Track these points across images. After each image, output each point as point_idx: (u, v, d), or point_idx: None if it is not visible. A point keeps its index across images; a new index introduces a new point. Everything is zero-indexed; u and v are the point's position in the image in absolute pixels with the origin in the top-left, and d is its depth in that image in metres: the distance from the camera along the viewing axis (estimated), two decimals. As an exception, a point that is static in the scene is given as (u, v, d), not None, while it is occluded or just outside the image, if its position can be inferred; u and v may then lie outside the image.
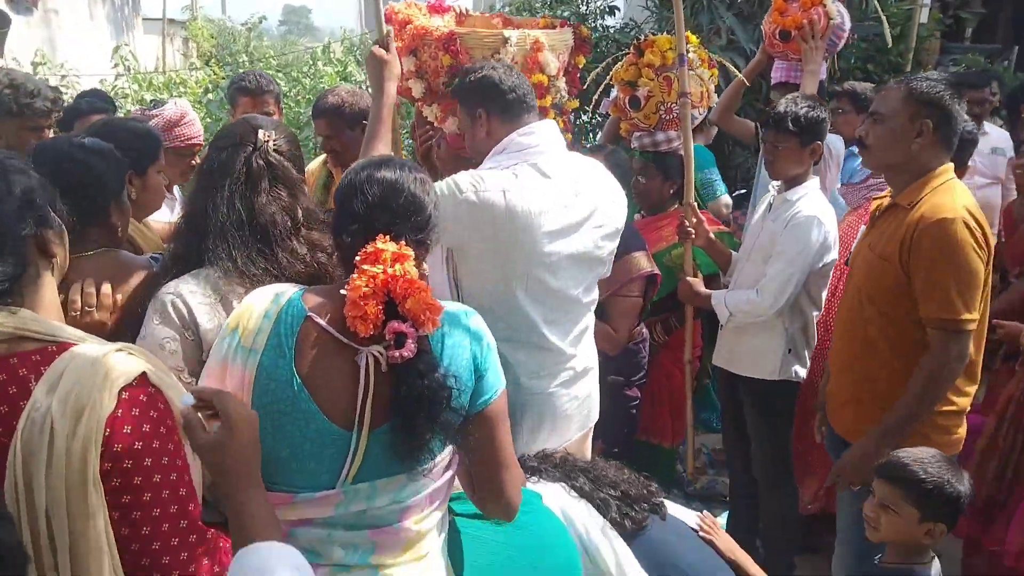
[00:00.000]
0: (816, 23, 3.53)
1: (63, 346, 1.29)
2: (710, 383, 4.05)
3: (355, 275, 1.49)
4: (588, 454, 2.67)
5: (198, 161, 3.06)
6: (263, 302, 1.58)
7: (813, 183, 3.00)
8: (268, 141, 1.88)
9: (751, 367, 3.07)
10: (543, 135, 2.35)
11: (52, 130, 3.12)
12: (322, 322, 1.53)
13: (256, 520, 1.33)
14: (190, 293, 1.78)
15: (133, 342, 1.73)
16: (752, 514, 3.27)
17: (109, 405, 1.21)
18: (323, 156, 3.43)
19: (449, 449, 1.63)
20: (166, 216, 3.00)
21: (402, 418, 1.50)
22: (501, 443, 1.64)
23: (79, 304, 1.75)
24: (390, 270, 1.47)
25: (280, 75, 11.71)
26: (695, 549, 2.19)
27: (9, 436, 1.20)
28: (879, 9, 3.92)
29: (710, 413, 4.37)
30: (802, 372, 3.05)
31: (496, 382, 1.64)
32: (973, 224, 2.25)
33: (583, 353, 2.53)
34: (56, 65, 10.47)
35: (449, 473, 1.67)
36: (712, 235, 3.20)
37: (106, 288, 1.80)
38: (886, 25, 3.84)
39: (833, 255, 2.95)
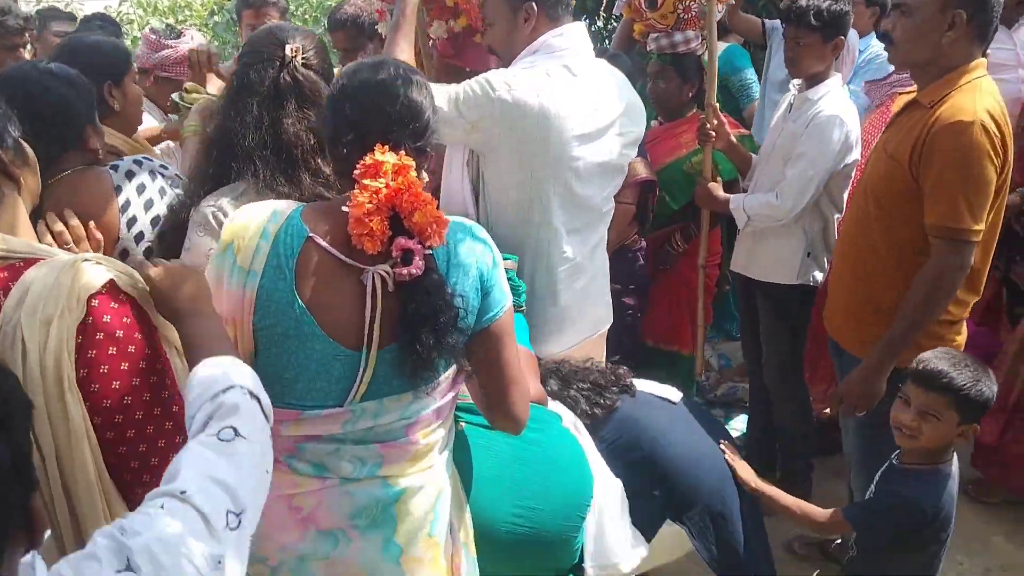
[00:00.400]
0: None
1: (30, 261, 1.26)
2: (730, 290, 4.01)
3: (356, 190, 1.43)
4: (602, 357, 2.71)
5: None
6: (259, 219, 1.51)
7: (835, 80, 2.90)
8: (296, 56, 1.82)
9: (769, 272, 3.02)
10: (574, 37, 2.34)
11: (28, 49, 3.08)
12: (324, 243, 1.48)
13: (208, 340, 1.30)
14: (231, 204, 1.78)
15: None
16: (770, 419, 3.28)
17: (78, 314, 1.20)
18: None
19: (452, 368, 1.62)
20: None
21: (409, 337, 1.46)
22: (507, 359, 1.60)
23: (52, 242, 1.68)
24: (393, 183, 1.40)
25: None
26: (666, 417, 2.22)
27: None
28: None
29: (731, 323, 4.35)
30: (820, 276, 3.00)
31: (502, 298, 1.59)
32: (993, 129, 2.11)
33: (598, 261, 2.57)
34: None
35: (455, 390, 1.66)
36: (733, 138, 3.11)
37: (74, 221, 1.74)
38: None
39: (855, 155, 2.86)
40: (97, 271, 1.26)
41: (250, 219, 1.51)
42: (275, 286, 1.47)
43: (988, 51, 2.25)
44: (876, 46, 3.52)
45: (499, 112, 2.18)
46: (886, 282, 2.35)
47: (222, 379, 1.19)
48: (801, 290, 3.00)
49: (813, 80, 2.88)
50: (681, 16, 3.22)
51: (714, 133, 3.05)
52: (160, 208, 1.97)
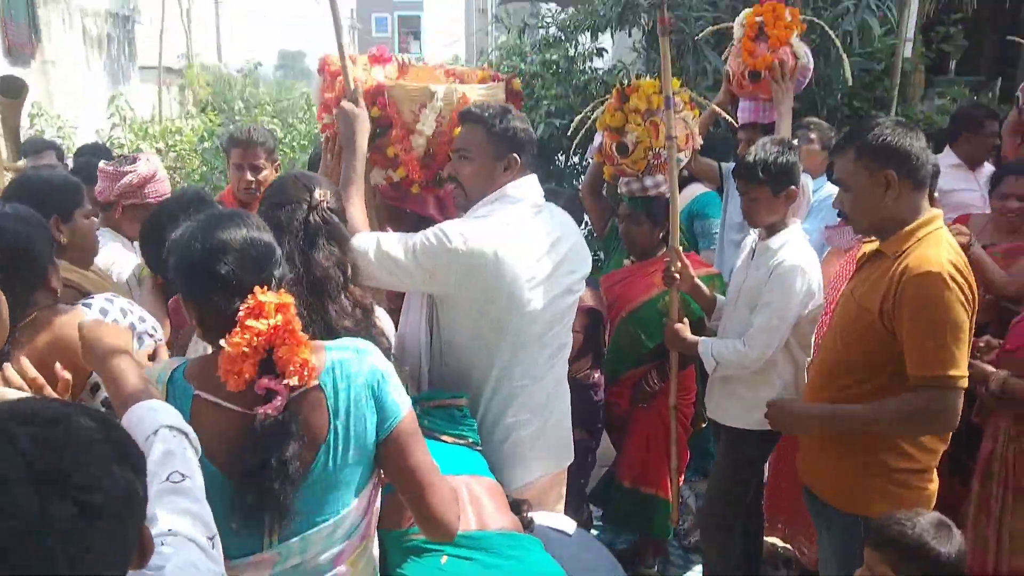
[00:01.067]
0: (786, 63, 3.54)
1: None
2: (707, 428, 4.00)
3: (237, 330, 1.48)
4: (561, 496, 2.74)
5: None
6: (151, 378, 1.58)
7: (794, 228, 2.96)
8: (324, 200, 1.99)
9: (740, 418, 3.01)
10: (530, 188, 2.49)
11: None
12: (212, 398, 1.55)
13: (128, 384, 1.45)
14: None
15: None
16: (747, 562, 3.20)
17: None
18: None
19: (370, 483, 1.67)
20: (131, 262, 2.98)
21: (259, 480, 1.49)
22: (416, 464, 1.64)
23: (23, 385, 1.68)
24: (272, 322, 1.48)
25: (276, 121, 11.83)
26: (556, 550, 2.19)
27: None
28: (840, 50, 3.95)
29: (710, 461, 4.29)
30: None
31: (398, 405, 1.64)
32: (959, 279, 2.18)
33: (556, 398, 2.64)
34: (53, 116, 10.56)
35: (372, 508, 1.71)
36: (698, 280, 3.15)
37: (33, 373, 1.72)
38: (847, 64, 3.88)
39: (819, 300, 2.91)
40: None
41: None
42: None
43: (957, 192, 2.37)
44: (829, 187, 3.64)
45: (455, 262, 2.29)
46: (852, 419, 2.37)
47: (149, 422, 1.33)
48: (764, 434, 2.95)
49: (772, 228, 2.94)
50: (651, 162, 3.34)
51: (678, 275, 3.09)
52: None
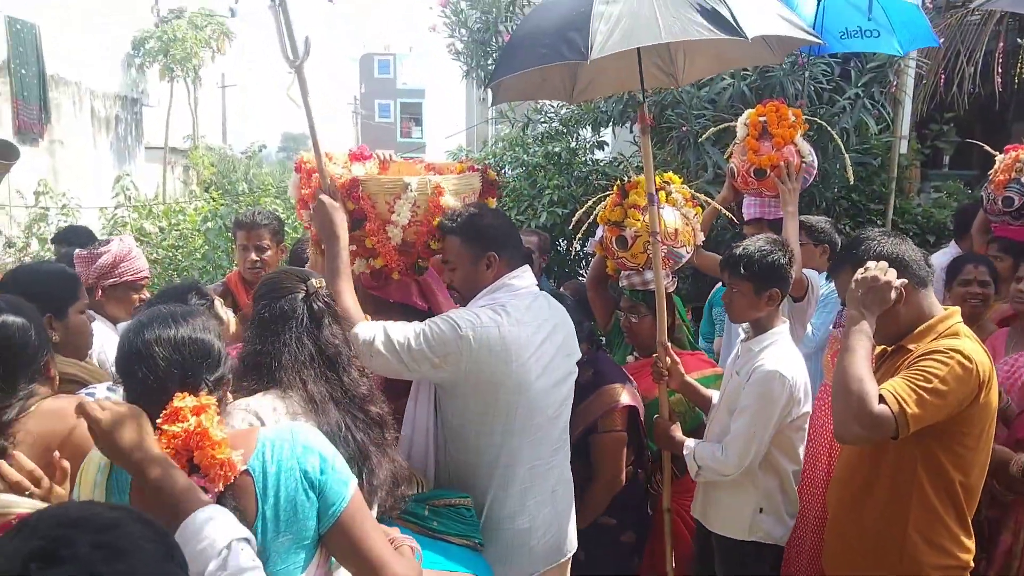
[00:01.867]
0: (791, 163, 3.57)
1: None
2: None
3: (158, 434, 1.51)
4: None
5: (146, 295, 3.31)
6: (94, 455, 1.62)
7: (779, 329, 2.87)
8: (320, 288, 2.09)
9: (721, 524, 2.91)
10: (527, 278, 2.60)
11: None
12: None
13: (179, 489, 1.42)
14: (271, 410, 1.89)
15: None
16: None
17: None
18: None
19: (312, 566, 1.63)
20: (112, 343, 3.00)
21: None
22: (368, 546, 1.62)
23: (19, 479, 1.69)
24: (190, 426, 1.50)
25: (279, 202, 11.97)
26: None
27: None
28: (842, 148, 4.03)
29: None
30: (779, 532, 2.88)
31: (341, 489, 1.62)
32: (981, 366, 2.19)
33: (560, 485, 2.65)
34: (58, 194, 10.68)
35: None
36: (689, 378, 3.09)
37: (55, 456, 1.76)
38: (848, 162, 3.94)
39: (805, 408, 2.82)
40: None
41: (90, 457, 1.63)
42: None
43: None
44: (830, 285, 3.63)
45: (466, 349, 2.35)
46: (883, 516, 2.34)
47: (220, 535, 1.36)
48: (754, 548, 2.87)
49: (758, 328, 2.86)
50: (651, 256, 3.36)
51: (667, 372, 3.04)
52: None
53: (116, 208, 10.89)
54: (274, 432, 1.63)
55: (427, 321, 2.39)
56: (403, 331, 2.36)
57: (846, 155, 3.92)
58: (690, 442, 2.93)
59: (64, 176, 13.43)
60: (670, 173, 3.42)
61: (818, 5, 4.23)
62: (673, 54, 3.34)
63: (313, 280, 2.09)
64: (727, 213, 3.72)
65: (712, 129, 4.41)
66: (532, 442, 2.52)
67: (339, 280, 2.43)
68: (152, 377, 1.57)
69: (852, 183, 4.47)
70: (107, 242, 3.33)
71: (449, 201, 2.67)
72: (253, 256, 3.70)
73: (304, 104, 2.57)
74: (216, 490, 1.50)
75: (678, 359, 3.07)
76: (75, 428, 1.90)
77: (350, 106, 39.74)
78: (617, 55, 2.58)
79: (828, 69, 5.23)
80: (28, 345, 1.93)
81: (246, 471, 1.55)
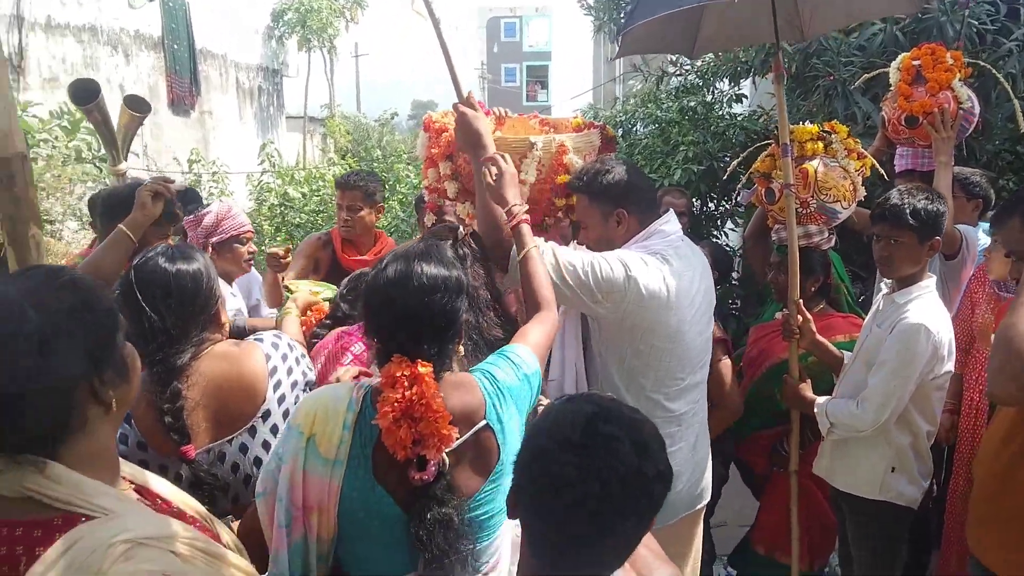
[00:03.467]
0: (946, 109, 3.29)
1: (70, 521, 1.15)
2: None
3: (382, 400, 1.55)
4: (698, 538, 2.70)
5: (252, 248, 3.61)
6: (338, 409, 1.62)
7: (927, 283, 2.74)
8: (467, 234, 2.24)
9: (850, 483, 2.81)
10: (675, 223, 2.59)
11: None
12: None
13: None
14: None
15: None
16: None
17: None
18: None
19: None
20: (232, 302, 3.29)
21: (422, 542, 1.55)
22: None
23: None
24: (408, 393, 1.53)
25: (411, 167, 12.28)
26: None
27: None
28: (1010, 93, 3.65)
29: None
30: (912, 494, 2.75)
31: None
32: None
33: (698, 428, 2.65)
34: (208, 162, 11.35)
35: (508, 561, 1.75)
36: (820, 338, 2.97)
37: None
38: (1019, 109, 3.57)
39: (947, 366, 2.67)
40: (126, 567, 1.13)
41: (327, 410, 1.62)
42: (356, 474, 1.59)
43: None
44: (983, 238, 3.41)
45: (633, 289, 2.33)
46: None
47: None
48: (886, 508, 2.75)
49: (904, 282, 2.74)
50: (799, 211, 3.23)
51: (798, 331, 2.94)
52: (297, 374, 2.14)
53: (262, 175, 11.48)
54: (480, 376, 1.70)
55: (599, 254, 2.38)
56: (572, 256, 2.32)
57: (1016, 100, 3.60)
58: (821, 399, 2.85)
59: (214, 145, 14.24)
60: (835, 122, 3.23)
61: None
62: (800, 5, 3.16)
63: (462, 228, 2.26)
64: (877, 166, 3.51)
65: (864, 77, 4.15)
66: (680, 391, 2.51)
67: (505, 185, 2.32)
68: (389, 324, 1.62)
69: (1015, 134, 4.12)
70: (207, 206, 3.66)
71: (573, 159, 2.67)
72: (345, 216, 3.90)
73: (430, 15, 2.53)
74: (435, 466, 1.56)
75: (810, 317, 2.97)
76: (244, 370, 2.04)
77: (476, 71, 40.03)
78: (742, 5, 2.51)
79: (992, 9, 4.82)
80: (200, 292, 2.02)
81: (487, 425, 1.63)
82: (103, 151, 8.37)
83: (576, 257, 2.33)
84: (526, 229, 2.19)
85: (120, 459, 1.35)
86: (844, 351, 3.02)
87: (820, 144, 3.08)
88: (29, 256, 1.63)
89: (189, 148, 11.87)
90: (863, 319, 3.24)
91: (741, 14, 2.91)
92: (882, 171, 3.52)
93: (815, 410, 2.84)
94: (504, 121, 3.00)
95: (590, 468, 1.17)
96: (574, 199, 2.63)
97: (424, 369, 1.56)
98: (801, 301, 2.99)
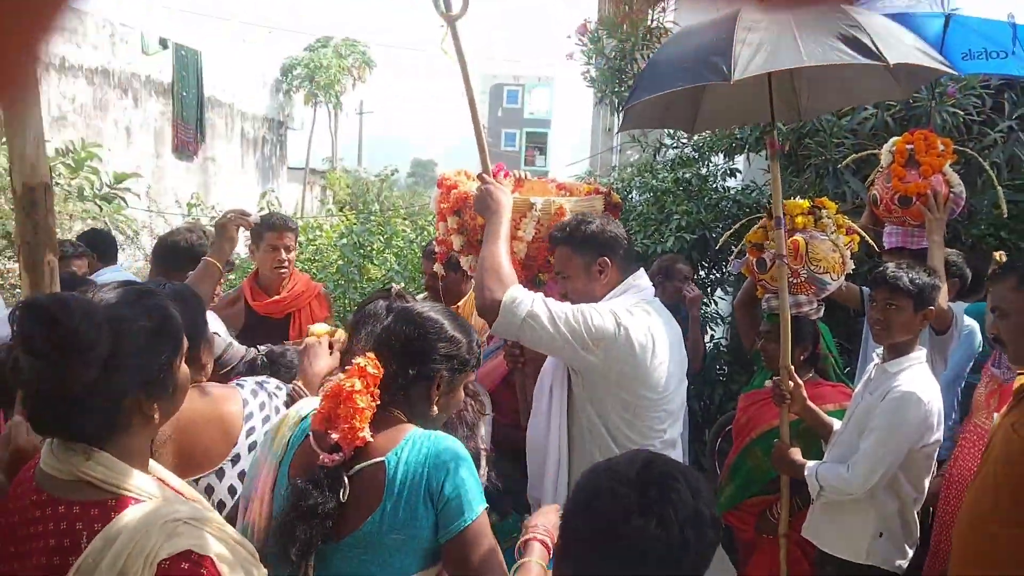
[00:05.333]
0: (939, 192, 3.43)
1: (123, 502, 1.31)
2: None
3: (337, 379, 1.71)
4: None
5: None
6: (296, 414, 1.84)
7: (918, 355, 2.83)
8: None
9: (837, 546, 2.84)
10: (646, 280, 2.67)
11: None
12: (312, 435, 1.74)
13: None
14: None
15: None
16: None
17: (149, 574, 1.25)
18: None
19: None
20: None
21: (293, 533, 1.61)
22: (482, 572, 1.63)
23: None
24: (347, 383, 1.64)
25: (408, 223, 12.41)
26: None
27: None
28: (994, 180, 3.80)
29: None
30: (897, 560, 2.78)
31: (460, 514, 1.65)
32: None
33: None
34: (208, 206, 11.46)
35: None
36: (810, 404, 3.02)
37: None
38: (1002, 196, 3.72)
39: (937, 435, 2.73)
40: (178, 541, 1.28)
41: (287, 415, 1.85)
42: (283, 460, 1.77)
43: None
44: (964, 317, 3.52)
45: (623, 337, 2.39)
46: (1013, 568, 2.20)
47: None
48: (874, 572, 2.78)
49: (895, 351, 2.82)
50: (790, 280, 3.31)
51: (789, 396, 2.99)
52: (272, 423, 2.11)
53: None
54: (419, 437, 1.71)
55: (581, 306, 2.43)
56: (561, 305, 2.39)
57: (999, 187, 3.74)
58: (811, 463, 2.89)
59: (214, 190, 14.38)
60: (824, 199, 3.35)
61: (944, 28, 4.09)
62: (797, 87, 3.31)
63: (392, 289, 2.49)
64: (870, 240, 3.62)
65: (852, 156, 4.30)
66: (663, 444, 2.55)
67: (497, 242, 2.48)
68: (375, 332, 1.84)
69: (1004, 217, 4.25)
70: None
71: None
72: (282, 256, 3.85)
73: (459, 57, 2.62)
74: (347, 453, 1.64)
75: (801, 383, 3.03)
76: (221, 411, 2.04)
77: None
78: (742, 86, 2.60)
79: (979, 101, 5.01)
80: (191, 331, 2.06)
81: (383, 462, 1.65)
82: (104, 190, 8.49)
83: (567, 307, 2.40)
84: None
85: None
86: (833, 419, 3.07)
87: (811, 218, 3.19)
88: (43, 282, 1.67)
89: (190, 192, 12.00)
90: (851, 389, 3.31)
91: (741, 94, 3.03)
92: (873, 244, 3.63)
93: (805, 473, 2.87)
94: (523, 184, 3.13)
95: (651, 506, 1.15)
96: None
97: (375, 371, 1.68)
98: (792, 367, 3.05)
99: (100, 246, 4.64)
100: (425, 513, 1.62)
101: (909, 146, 3.58)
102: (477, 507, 1.66)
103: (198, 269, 3.05)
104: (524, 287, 2.48)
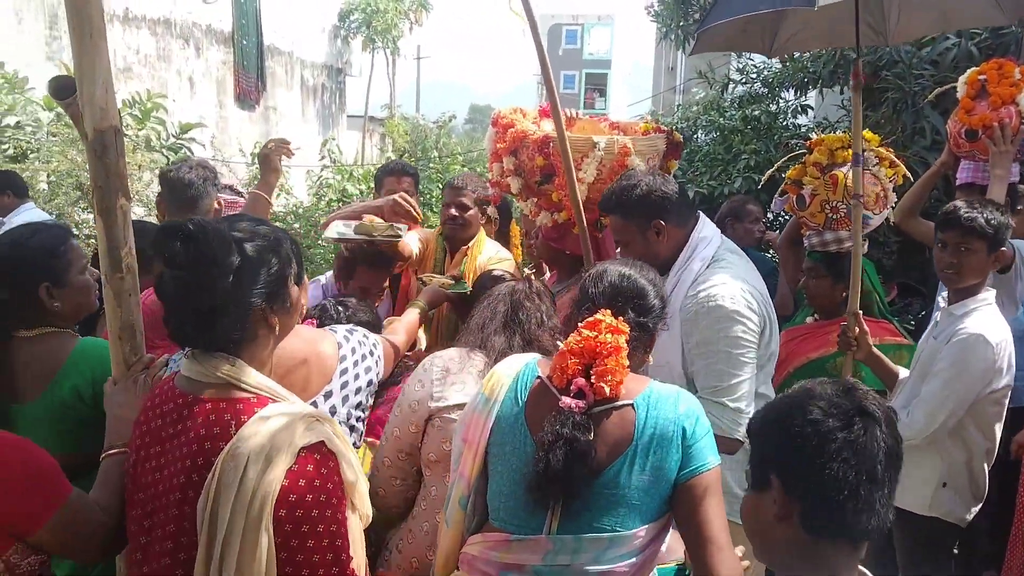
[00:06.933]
0: (1007, 124, 3.24)
1: (262, 400, 1.50)
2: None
3: (574, 334, 1.71)
4: None
5: None
6: (509, 370, 1.85)
7: (986, 296, 2.69)
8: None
9: (899, 495, 2.77)
10: (709, 225, 2.52)
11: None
12: (544, 378, 1.77)
13: None
14: None
15: None
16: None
17: (290, 462, 1.42)
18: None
19: (657, 524, 1.68)
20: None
21: (550, 465, 1.60)
22: (707, 518, 1.63)
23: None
24: (601, 337, 1.67)
25: (466, 168, 12.37)
26: None
27: (207, 469, 1.43)
28: None
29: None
30: (961, 513, 2.69)
31: (705, 458, 1.67)
32: None
33: None
34: (271, 156, 11.57)
35: (654, 547, 1.70)
36: (877, 350, 2.89)
37: None
38: None
39: (1007, 380, 2.59)
40: (313, 432, 1.48)
41: (501, 370, 1.87)
42: (510, 409, 1.77)
43: None
44: None
45: (758, 323, 2.34)
46: None
47: None
48: (937, 525, 2.68)
49: (963, 293, 2.68)
50: (830, 216, 3.18)
51: (855, 342, 2.85)
52: (362, 369, 2.12)
53: (322, 170, 11.67)
54: (666, 388, 1.75)
55: (732, 351, 2.29)
56: (742, 383, 2.30)
57: None
58: None
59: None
60: (866, 131, 3.22)
61: None
62: (887, 9, 3.12)
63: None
64: (908, 175, 3.43)
65: (936, 90, 4.08)
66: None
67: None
68: (594, 293, 1.82)
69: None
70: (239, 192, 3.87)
71: (635, 161, 2.66)
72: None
73: (529, 18, 2.53)
74: (591, 396, 1.65)
75: (867, 329, 2.90)
76: (319, 350, 2.03)
77: (535, 76, 40.15)
78: (828, 7, 2.46)
79: (1075, 25, 4.69)
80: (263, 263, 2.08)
81: (632, 405, 1.67)
82: (171, 140, 8.63)
83: (741, 378, 2.30)
84: None
85: None
86: (900, 368, 2.96)
87: (851, 151, 3.05)
88: (116, 227, 1.68)
89: (253, 141, 12.13)
90: (894, 326, 3.20)
91: (823, 16, 2.89)
92: (916, 179, 3.45)
93: None
94: (574, 122, 3.03)
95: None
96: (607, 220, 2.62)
97: (624, 326, 1.71)
98: (861, 312, 2.94)
99: (14, 185, 5.43)
100: (676, 453, 1.66)
101: (982, 76, 3.39)
102: (716, 457, 1.71)
103: (247, 203, 3.07)
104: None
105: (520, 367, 1.84)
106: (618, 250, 2.63)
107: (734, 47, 3.87)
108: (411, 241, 3.18)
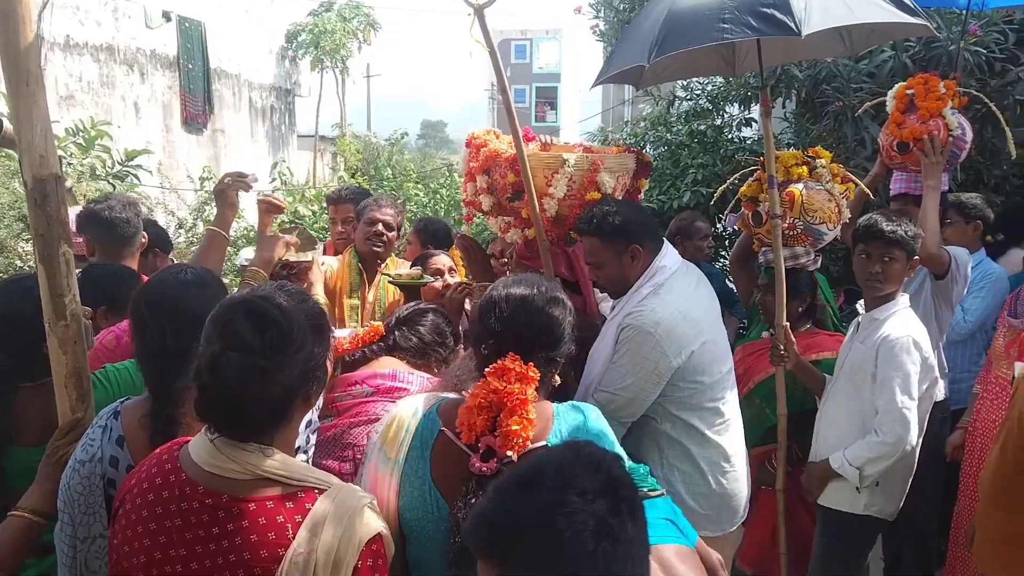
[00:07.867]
0: (935, 136, 3.41)
1: (309, 493, 1.40)
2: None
3: (480, 384, 1.64)
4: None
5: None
6: (406, 417, 1.74)
7: (903, 299, 2.92)
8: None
9: (835, 498, 2.90)
10: (671, 254, 2.66)
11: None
12: (449, 433, 1.68)
13: None
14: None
15: None
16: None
17: (355, 562, 1.36)
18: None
19: None
20: None
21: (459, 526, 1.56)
22: None
23: None
24: (509, 387, 1.60)
25: (420, 186, 12.36)
26: None
27: (268, 572, 1.33)
28: (1001, 120, 3.70)
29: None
30: (890, 509, 2.85)
31: None
32: None
33: (739, 455, 2.75)
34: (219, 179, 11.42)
35: None
36: (803, 360, 3.08)
37: None
38: (1009, 136, 3.66)
39: (934, 374, 2.83)
40: (374, 522, 1.42)
41: (396, 417, 1.75)
42: (414, 471, 1.68)
43: None
44: (988, 262, 3.63)
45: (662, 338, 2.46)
46: None
47: None
48: (869, 521, 2.84)
49: (881, 300, 2.89)
50: (787, 233, 3.28)
51: (785, 354, 3.02)
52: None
53: (273, 192, 11.56)
54: (565, 409, 1.73)
55: (624, 367, 2.46)
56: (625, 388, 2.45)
57: (1006, 128, 3.66)
58: (834, 457, 2.86)
59: (224, 163, 14.33)
60: (819, 148, 3.32)
61: None
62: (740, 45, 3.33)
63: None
64: (865, 188, 3.56)
65: (868, 103, 4.21)
66: (714, 407, 2.61)
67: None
68: (496, 327, 1.71)
69: (1022, 160, 4.16)
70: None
71: (604, 178, 2.73)
72: (340, 228, 4.23)
73: (488, 45, 2.64)
74: (502, 457, 1.58)
75: (794, 340, 3.06)
76: None
77: (486, 92, 40.31)
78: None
79: (1001, 37, 4.87)
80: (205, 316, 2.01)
81: (545, 445, 1.63)
82: (117, 168, 8.47)
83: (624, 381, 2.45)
84: None
85: None
86: (826, 374, 3.13)
87: (805, 168, 3.17)
88: (59, 275, 1.66)
89: (201, 165, 11.97)
90: (837, 337, 3.33)
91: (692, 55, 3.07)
92: (868, 192, 3.59)
93: (833, 466, 2.85)
94: (550, 148, 3.11)
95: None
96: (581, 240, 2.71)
97: (533, 373, 1.64)
98: (788, 324, 3.05)
99: None
100: None
101: (909, 91, 3.54)
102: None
103: (203, 240, 2.94)
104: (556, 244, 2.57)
105: (413, 415, 1.74)
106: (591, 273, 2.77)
107: (691, 74, 4.02)
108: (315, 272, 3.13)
